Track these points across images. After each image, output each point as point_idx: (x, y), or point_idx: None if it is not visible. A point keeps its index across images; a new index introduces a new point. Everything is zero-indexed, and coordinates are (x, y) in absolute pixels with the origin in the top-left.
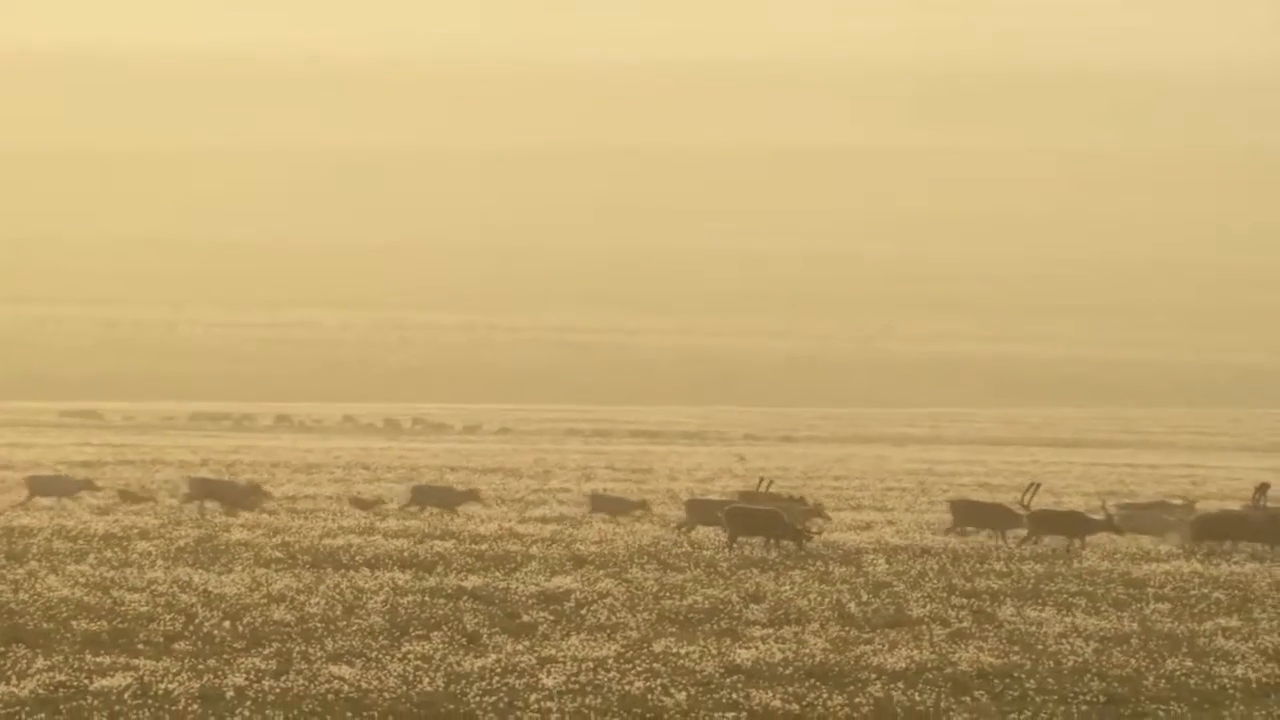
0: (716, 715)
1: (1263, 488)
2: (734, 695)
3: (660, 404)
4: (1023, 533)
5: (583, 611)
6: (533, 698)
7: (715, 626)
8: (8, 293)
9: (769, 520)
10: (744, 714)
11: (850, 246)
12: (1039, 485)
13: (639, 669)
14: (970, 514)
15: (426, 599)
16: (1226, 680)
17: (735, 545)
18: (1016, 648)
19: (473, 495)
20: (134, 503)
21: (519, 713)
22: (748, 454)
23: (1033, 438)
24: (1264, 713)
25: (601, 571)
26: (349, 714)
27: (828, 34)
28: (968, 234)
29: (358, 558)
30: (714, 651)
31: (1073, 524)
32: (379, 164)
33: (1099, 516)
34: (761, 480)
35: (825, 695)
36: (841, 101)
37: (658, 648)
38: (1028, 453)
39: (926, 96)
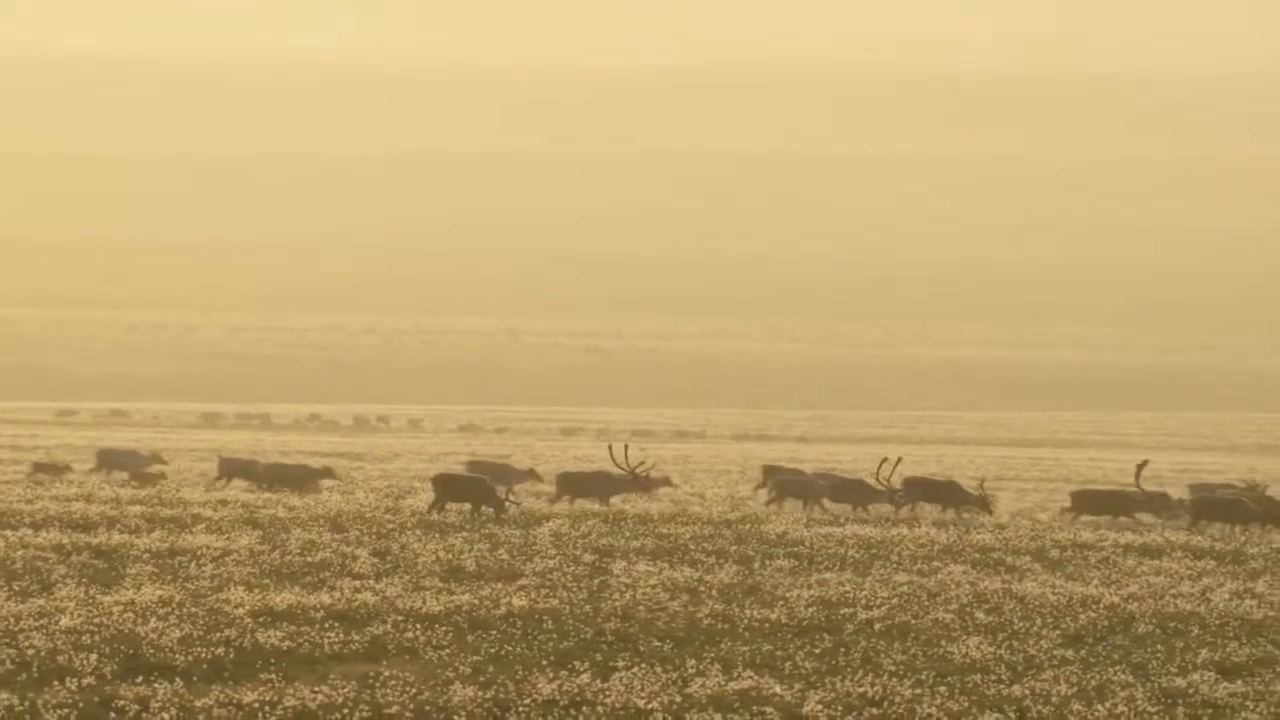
0: (201, 651)
1: (1142, 464)
2: (235, 634)
3: (663, 407)
4: (883, 506)
5: (190, 565)
6: (30, 636)
7: (313, 579)
8: (31, 295)
9: (473, 487)
10: (232, 650)
11: (875, 251)
12: (900, 460)
13: (168, 614)
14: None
15: (38, 553)
16: (740, 621)
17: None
18: (583, 595)
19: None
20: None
21: (3, 649)
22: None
23: (998, 438)
24: (749, 648)
25: (258, 533)
26: None
27: (848, 38)
28: (992, 239)
29: (27, 519)
30: (259, 599)
31: (948, 493)
32: (407, 170)
33: (975, 491)
34: (611, 447)
35: (330, 633)
36: (862, 107)
37: (219, 596)
38: (965, 450)
39: (941, 102)
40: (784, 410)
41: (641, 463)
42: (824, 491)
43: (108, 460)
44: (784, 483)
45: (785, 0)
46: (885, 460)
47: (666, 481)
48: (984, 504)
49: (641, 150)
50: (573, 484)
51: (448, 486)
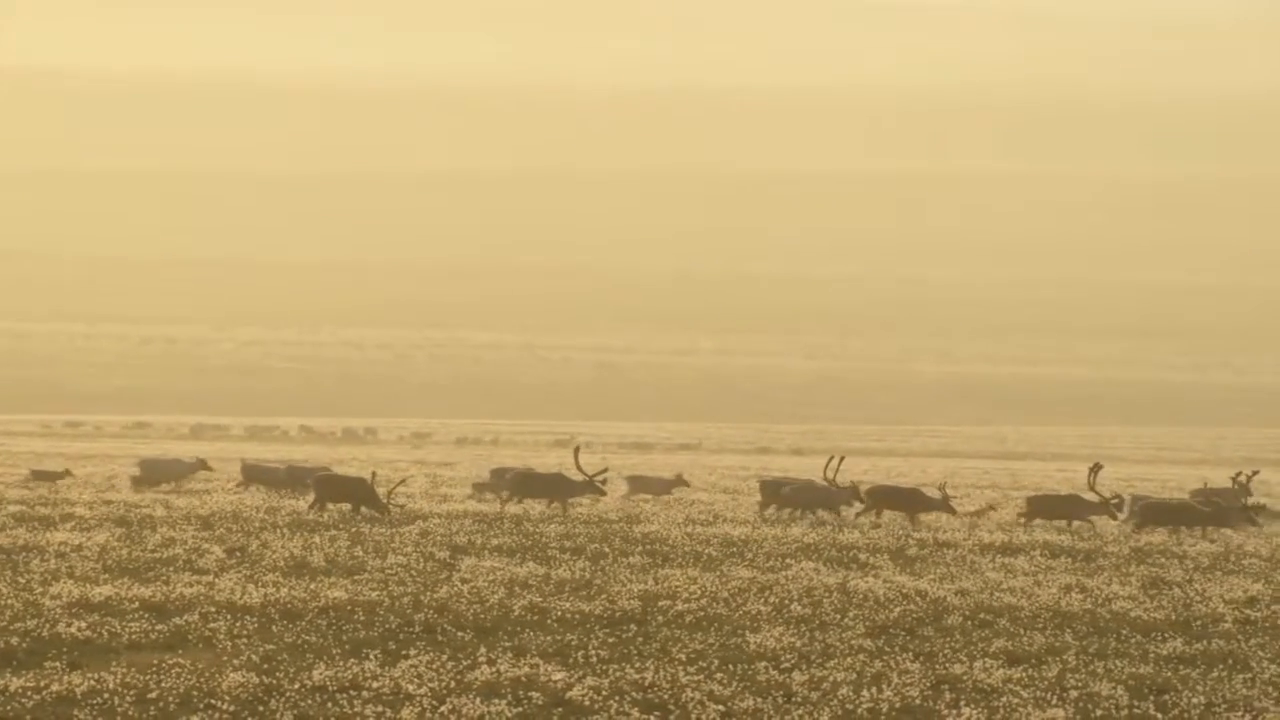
0: (12, 640)
1: (1095, 468)
2: (36, 624)
3: (668, 421)
4: (844, 507)
5: (34, 560)
6: None
7: (152, 574)
8: (43, 310)
9: (355, 488)
10: (28, 640)
11: (894, 270)
12: (843, 458)
13: None
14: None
15: None
16: (554, 613)
17: (324, 509)
18: (412, 589)
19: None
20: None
21: None
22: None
23: (986, 451)
24: (550, 638)
25: (122, 530)
26: None
27: (869, 60)
28: (1006, 258)
29: None
30: (83, 592)
31: (910, 500)
32: (425, 187)
33: (937, 496)
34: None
35: (135, 623)
36: (880, 127)
37: (44, 589)
38: (940, 461)
39: (955, 123)
40: (789, 425)
41: (603, 470)
42: (837, 498)
43: (148, 470)
44: (787, 494)
45: (812, 22)
46: (831, 459)
47: (682, 483)
48: (947, 506)
49: (662, 169)
50: (527, 485)
51: (328, 487)
